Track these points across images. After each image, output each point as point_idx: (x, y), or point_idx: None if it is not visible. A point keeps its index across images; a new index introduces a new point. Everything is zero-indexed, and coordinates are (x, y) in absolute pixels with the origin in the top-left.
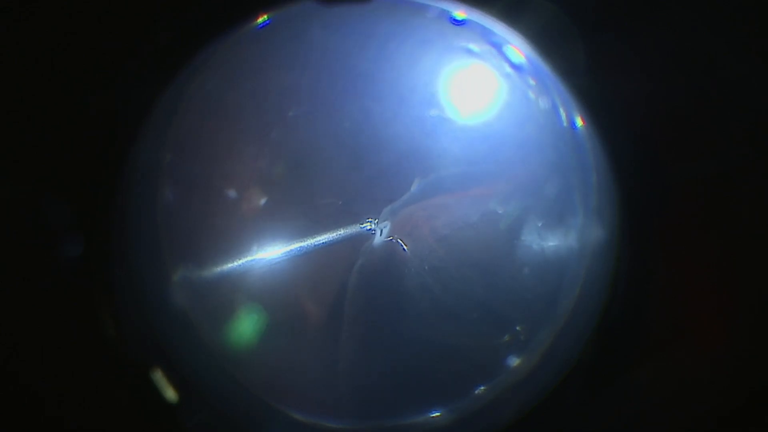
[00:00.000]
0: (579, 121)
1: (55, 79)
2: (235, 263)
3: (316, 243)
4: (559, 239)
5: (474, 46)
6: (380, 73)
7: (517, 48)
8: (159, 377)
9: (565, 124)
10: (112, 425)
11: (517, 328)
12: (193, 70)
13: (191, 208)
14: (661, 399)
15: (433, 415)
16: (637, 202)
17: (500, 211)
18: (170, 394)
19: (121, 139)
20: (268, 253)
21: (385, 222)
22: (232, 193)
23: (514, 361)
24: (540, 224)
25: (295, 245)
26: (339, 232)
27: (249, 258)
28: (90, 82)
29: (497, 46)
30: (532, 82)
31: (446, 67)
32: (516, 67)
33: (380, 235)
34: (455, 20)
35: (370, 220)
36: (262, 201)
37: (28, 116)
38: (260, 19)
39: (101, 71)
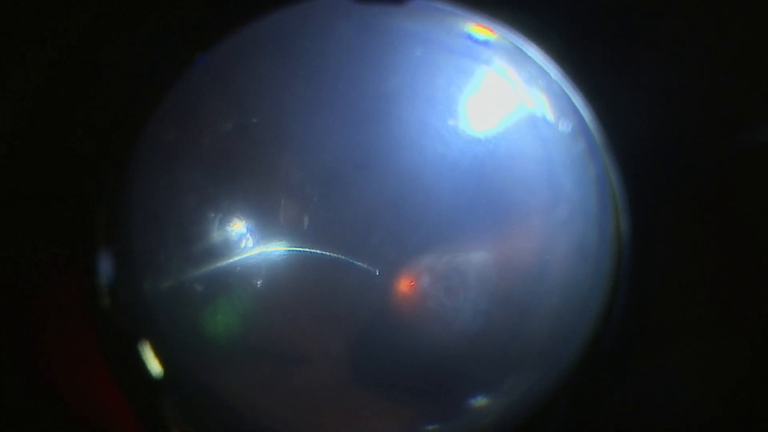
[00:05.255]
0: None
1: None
2: (229, 260)
3: (320, 254)
4: (578, 263)
5: (493, 63)
6: (402, 80)
7: (538, 63)
8: (145, 351)
9: (585, 147)
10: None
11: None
12: (201, 66)
13: (188, 200)
14: (663, 399)
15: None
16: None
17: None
18: (155, 368)
19: (130, 121)
20: (267, 251)
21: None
22: (233, 189)
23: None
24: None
25: (295, 249)
26: (341, 256)
27: (247, 254)
28: (89, 81)
29: (518, 64)
30: (553, 104)
31: (465, 83)
32: (536, 84)
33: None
34: (478, 40)
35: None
36: (267, 202)
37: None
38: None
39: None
